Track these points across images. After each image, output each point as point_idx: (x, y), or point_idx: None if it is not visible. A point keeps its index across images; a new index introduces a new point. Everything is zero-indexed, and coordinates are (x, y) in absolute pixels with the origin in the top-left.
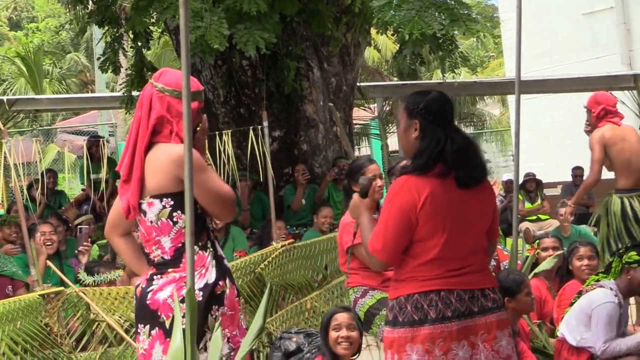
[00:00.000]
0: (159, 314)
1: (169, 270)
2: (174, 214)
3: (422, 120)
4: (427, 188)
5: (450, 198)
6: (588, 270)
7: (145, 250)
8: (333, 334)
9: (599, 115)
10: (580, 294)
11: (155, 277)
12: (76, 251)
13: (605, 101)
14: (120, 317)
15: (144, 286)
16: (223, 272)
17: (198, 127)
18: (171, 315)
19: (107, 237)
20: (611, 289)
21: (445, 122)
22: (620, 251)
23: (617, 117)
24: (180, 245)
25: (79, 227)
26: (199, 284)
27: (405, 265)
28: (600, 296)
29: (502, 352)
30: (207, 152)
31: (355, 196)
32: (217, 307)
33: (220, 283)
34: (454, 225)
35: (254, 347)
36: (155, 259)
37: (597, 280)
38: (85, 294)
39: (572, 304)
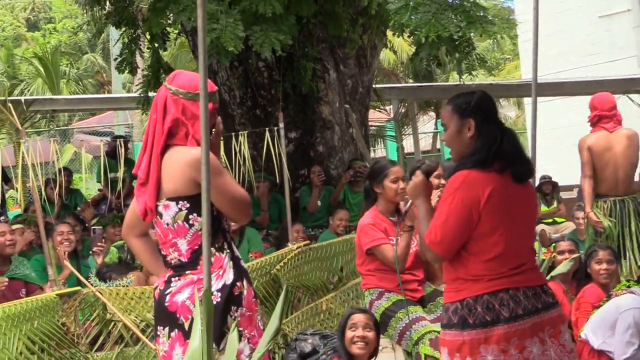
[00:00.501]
0: (177, 316)
1: (187, 272)
2: (190, 216)
3: (477, 117)
4: (490, 183)
5: (508, 193)
6: (606, 274)
7: (162, 252)
8: (349, 334)
9: (593, 121)
10: (609, 297)
11: (173, 279)
12: (91, 252)
13: (600, 106)
14: (136, 317)
15: (162, 288)
16: (240, 273)
17: (213, 128)
18: (190, 317)
19: (124, 238)
20: None
21: (495, 119)
22: None
23: (612, 122)
24: (196, 247)
25: (93, 228)
26: (217, 285)
27: (467, 265)
28: (629, 301)
29: (567, 345)
30: (222, 153)
31: (421, 177)
32: (235, 307)
33: (238, 284)
34: (513, 220)
35: (269, 348)
36: (173, 261)
37: (629, 287)
38: (101, 293)
39: (599, 307)
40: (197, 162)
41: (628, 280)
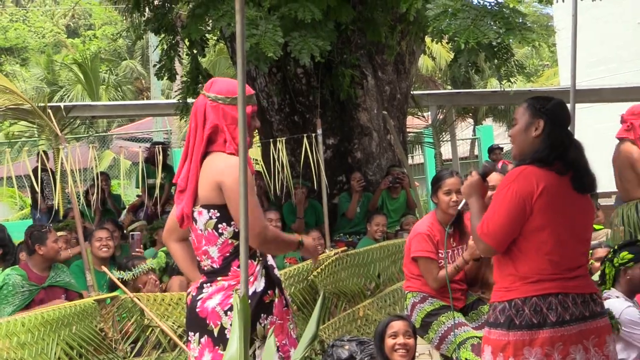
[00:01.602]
0: (207, 322)
1: (219, 278)
2: (219, 225)
3: (547, 119)
4: (545, 179)
5: (565, 196)
6: None
7: (198, 259)
8: (389, 342)
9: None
10: None
11: (205, 285)
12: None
13: None
14: (173, 323)
15: (194, 294)
16: (272, 281)
17: (255, 131)
18: (219, 323)
19: (164, 242)
20: (617, 297)
21: (566, 127)
22: (609, 256)
23: None
24: (228, 254)
25: (131, 233)
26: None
27: (517, 262)
28: (616, 305)
29: (611, 356)
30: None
31: (477, 177)
32: (265, 315)
33: (269, 292)
34: (567, 224)
35: (306, 355)
36: (206, 268)
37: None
38: (139, 299)
39: None
40: (227, 172)
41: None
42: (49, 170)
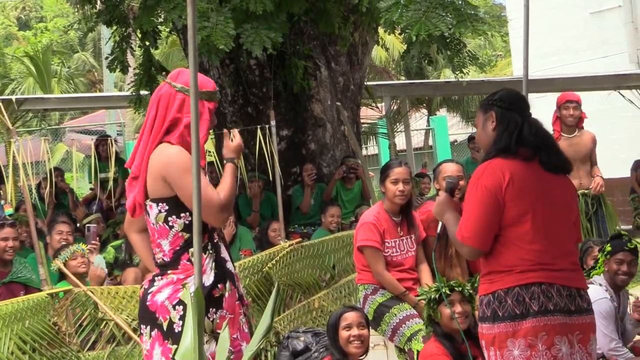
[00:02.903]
0: (157, 315)
1: (169, 272)
2: (169, 218)
3: (498, 109)
4: (511, 167)
5: (536, 180)
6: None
7: (153, 251)
8: (344, 334)
9: None
10: None
11: (156, 278)
12: (86, 250)
13: None
14: (128, 316)
15: (146, 287)
16: (224, 275)
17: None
18: (168, 317)
19: (125, 233)
20: (600, 284)
21: (520, 109)
22: (603, 246)
23: None
24: (178, 248)
25: (87, 225)
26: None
27: (499, 256)
28: (592, 294)
29: (593, 355)
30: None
31: (443, 194)
32: (214, 309)
33: (219, 286)
34: (543, 209)
35: (261, 347)
36: (158, 260)
37: (589, 276)
38: (93, 292)
39: None
40: (167, 161)
41: (588, 271)
42: None
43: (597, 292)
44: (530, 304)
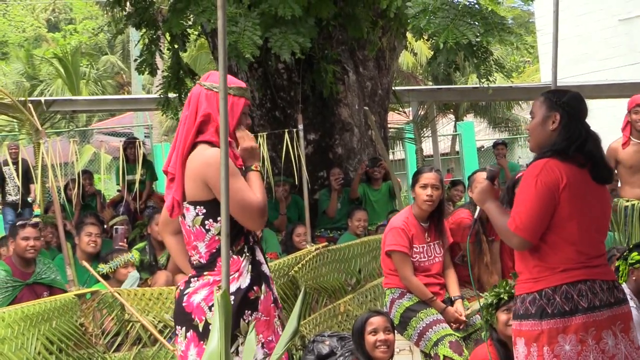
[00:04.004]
0: (192, 317)
1: (205, 273)
2: (206, 222)
3: (564, 112)
4: (568, 171)
5: (586, 187)
6: None
7: (188, 253)
8: (370, 338)
9: None
10: None
11: (192, 279)
12: (137, 258)
13: None
14: (154, 318)
15: (182, 288)
16: (259, 277)
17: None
18: (204, 318)
19: (160, 235)
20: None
21: (583, 119)
22: (625, 254)
23: None
24: (214, 250)
25: (114, 227)
26: (231, 288)
27: (545, 256)
28: None
29: (635, 342)
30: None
31: (486, 182)
32: (250, 312)
33: (255, 289)
34: (590, 214)
35: (289, 349)
36: (194, 262)
37: None
38: (120, 294)
39: None
40: (207, 163)
41: None
42: (11, 164)
43: None
44: (579, 300)
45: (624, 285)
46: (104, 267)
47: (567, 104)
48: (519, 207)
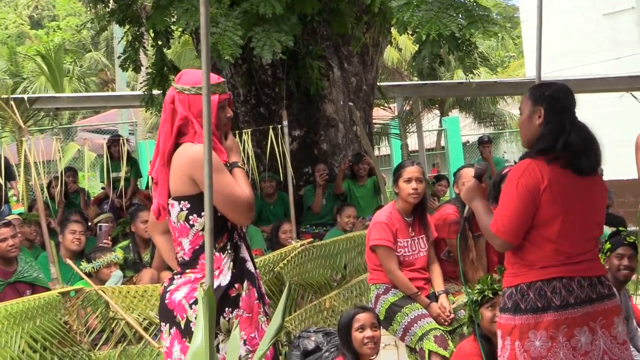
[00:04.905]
0: (175, 314)
1: (187, 270)
2: (190, 217)
3: (548, 106)
4: (550, 173)
5: (571, 186)
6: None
7: (175, 250)
8: (358, 335)
9: None
10: None
11: (176, 276)
12: (121, 258)
13: None
14: (139, 316)
15: (166, 285)
16: (242, 274)
17: (226, 120)
18: (185, 316)
19: (150, 234)
20: None
21: (569, 112)
22: (602, 245)
23: None
24: (197, 247)
25: (98, 225)
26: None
27: (524, 252)
28: None
29: (619, 337)
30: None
31: (474, 180)
32: (230, 309)
33: (236, 286)
34: (574, 212)
35: (275, 345)
36: (179, 259)
37: None
38: (104, 292)
39: None
40: (193, 159)
41: None
42: None
43: None
44: (551, 297)
45: None
46: (87, 267)
47: (551, 97)
48: (501, 209)
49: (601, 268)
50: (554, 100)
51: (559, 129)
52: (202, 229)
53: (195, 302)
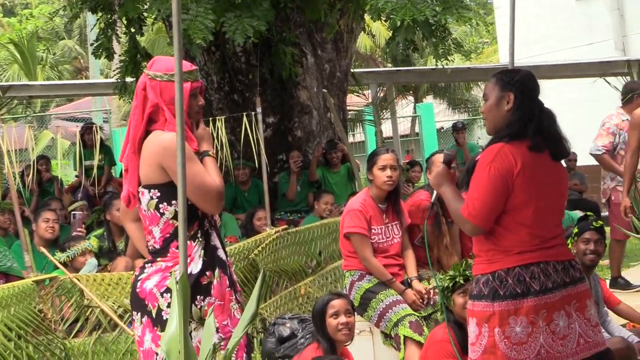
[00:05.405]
0: (146, 302)
1: (158, 259)
2: (160, 205)
3: (517, 91)
4: (522, 156)
5: (542, 169)
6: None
7: (146, 238)
8: (332, 322)
9: None
10: None
11: (147, 265)
12: (95, 246)
13: None
14: (114, 303)
15: (137, 274)
16: (213, 262)
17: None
18: (156, 304)
19: (122, 222)
20: None
21: (536, 97)
22: (571, 230)
23: None
24: (168, 235)
25: (72, 213)
26: None
27: (499, 238)
28: None
29: (592, 320)
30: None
31: (442, 166)
32: (202, 297)
33: (207, 274)
34: (545, 196)
35: (247, 333)
36: (150, 248)
37: None
38: (79, 280)
39: None
40: (164, 147)
41: None
42: None
43: None
44: (531, 283)
45: None
46: (61, 256)
47: (520, 83)
48: (472, 193)
49: (570, 252)
50: (523, 85)
51: (528, 115)
52: (173, 217)
53: (167, 291)
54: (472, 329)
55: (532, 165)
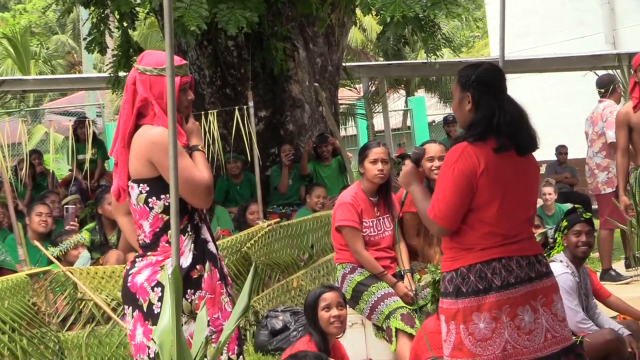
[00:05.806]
0: (137, 297)
1: (148, 253)
2: (149, 199)
3: (475, 91)
4: (486, 156)
5: (507, 168)
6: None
7: (137, 232)
8: (324, 314)
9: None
10: None
11: (137, 259)
12: (87, 239)
13: None
14: (107, 296)
15: (128, 268)
16: (203, 256)
17: (187, 102)
18: (147, 298)
19: (114, 215)
20: (561, 261)
21: (497, 92)
22: (560, 223)
23: None
24: (158, 229)
25: (65, 206)
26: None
27: (463, 236)
28: (554, 271)
29: (559, 315)
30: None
31: (410, 164)
32: (192, 290)
33: (198, 267)
34: (510, 194)
35: (240, 326)
36: (140, 242)
37: (549, 256)
38: (72, 273)
39: None
40: (153, 142)
41: (547, 251)
42: None
43: (559, 268)
44: (492, 279)
45: (561, 255)
46: (54, 250)
47: (477, 82)
48: (437, 194)
49: (537, 247)
50: (480, 84)
51: (489, 114)
52: (162, 212)
53: (157, 285)
54: (442, 326)
55: (496, 165)
